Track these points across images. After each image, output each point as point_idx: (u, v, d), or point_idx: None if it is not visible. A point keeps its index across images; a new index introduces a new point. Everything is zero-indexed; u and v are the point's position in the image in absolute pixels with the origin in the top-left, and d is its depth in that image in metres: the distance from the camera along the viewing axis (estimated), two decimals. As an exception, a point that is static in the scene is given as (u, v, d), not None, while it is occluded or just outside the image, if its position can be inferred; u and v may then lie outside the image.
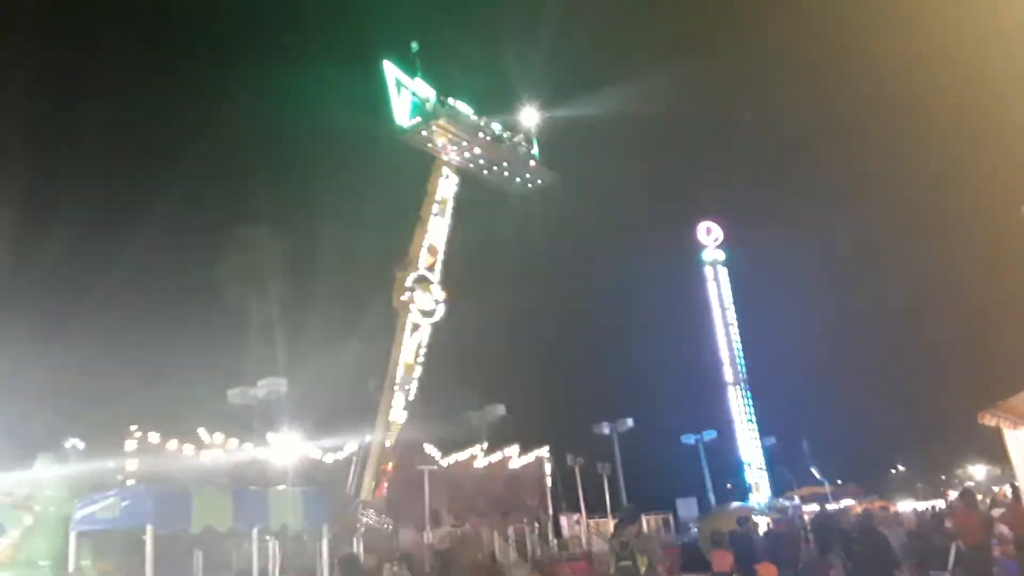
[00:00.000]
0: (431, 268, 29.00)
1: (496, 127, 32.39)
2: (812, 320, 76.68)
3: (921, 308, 74.80)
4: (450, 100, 30.85)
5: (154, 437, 18.52)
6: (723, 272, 69.41)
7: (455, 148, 30.14)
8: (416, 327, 27.97)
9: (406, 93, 29.91)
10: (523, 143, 33.49)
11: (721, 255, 69.58)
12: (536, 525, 23.18)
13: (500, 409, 33.06)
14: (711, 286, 68.80)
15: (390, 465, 26.27)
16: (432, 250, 29.31)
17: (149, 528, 7.58)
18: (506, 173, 32.65)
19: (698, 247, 69.84)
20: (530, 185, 33.48)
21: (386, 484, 25.69)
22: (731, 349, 66.21)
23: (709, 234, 70.02)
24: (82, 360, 29.22)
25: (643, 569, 9.09)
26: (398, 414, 26.85)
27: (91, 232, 40.43)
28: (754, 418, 63.63)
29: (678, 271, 71.75)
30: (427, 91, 30.16)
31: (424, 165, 30.70)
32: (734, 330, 67.15)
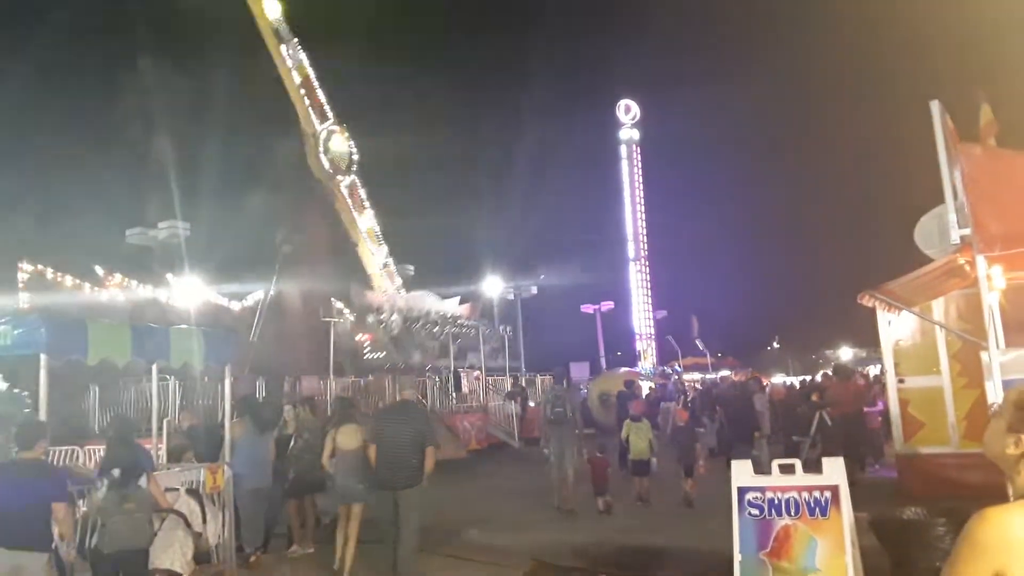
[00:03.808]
0: (322, 112, 28.34)
1: None
2: (711, 203, 78.95)
3: (808, 202, 78.39)
4: None
5: (47, 273, 17.74)
6: (637, 151, 69.99)
7: None
8: (350, 184, 27.82)
9: None
10: None
11: (637, 134, 69.84)
12: (437, 380, 23.98)
13: (409, 269, 33.30)
14: (625, 164, 69.41)
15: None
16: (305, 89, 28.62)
17: (43, 357, 7.31)
18: None
19: (617, 125, 69.77)
20: None
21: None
22: (636, 226, 67.89)
23: (628, 112, 69.84)
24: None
25: (567, 413, 11.20)
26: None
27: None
28: (649, 292, 66.44)
29: (594, 147, 71.94)
30: None
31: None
32: (641, 208, 68.67)
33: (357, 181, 28.24)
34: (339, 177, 27.24)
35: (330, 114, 27.75)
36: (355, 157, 28.02)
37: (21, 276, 17.25)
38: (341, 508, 8.08)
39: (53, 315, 9.80)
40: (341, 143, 27.77)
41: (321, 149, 27.26)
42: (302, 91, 27.49)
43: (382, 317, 25.36)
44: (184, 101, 30.36)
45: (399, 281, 30.60)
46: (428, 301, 29.87)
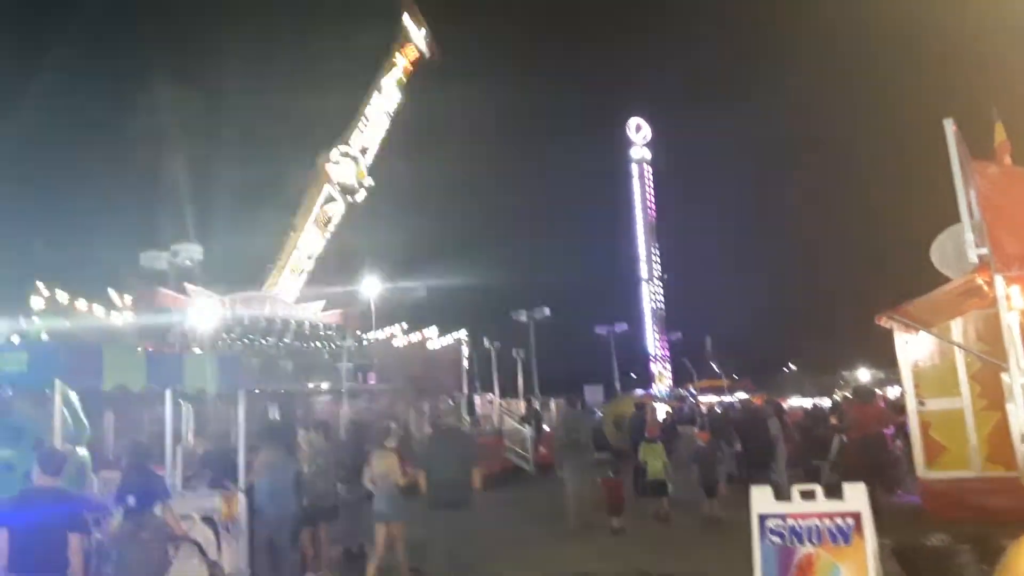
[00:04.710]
0: (363, 152, 28.31)
1: None
2: (725, 224, 78.71)
3: (823, 222, 78.13)
4: None
5: (62, 296, 17.83)
6: (648, 170, 70.10)
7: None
8: (331, 199, 27.44)
9: None
10: None
11: (648, 153, 70.00)
12: (451, 403, 23.87)
13: (421, 291, 33.31)
14: (635, 184, 69.53)
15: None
16: (366, 130, 28.52)
17: (58, 383, 7.33)
18: None
19: (627, 144, 70.00)
20: None
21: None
22: (648, 246, 67.83)
23: (638, 131, 70.07)
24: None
25: (582, 438, 12.05)
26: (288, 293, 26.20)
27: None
28: (663, 313, 66.17)
29: (606, 168, 72.16)
30: None
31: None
32: (653, 227, 68.64)
33: (340, 209, 27.69)
34: (334, 176, 26.85)
35: (370, 156, 27.85)
36: (357, 197, 27.73)
37: (36, 301, 17.32)
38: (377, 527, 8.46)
39: (69, 340, 9.86)
40: (352, 175, 27.70)
41: (341, 151, 27.09)
42: (366, 118, 27.61)
43: (186, 327, 19.38)
44: (202, 122, 30.78)
45: (296, 295, 26.27)
46: (273, 306, 23.94)
